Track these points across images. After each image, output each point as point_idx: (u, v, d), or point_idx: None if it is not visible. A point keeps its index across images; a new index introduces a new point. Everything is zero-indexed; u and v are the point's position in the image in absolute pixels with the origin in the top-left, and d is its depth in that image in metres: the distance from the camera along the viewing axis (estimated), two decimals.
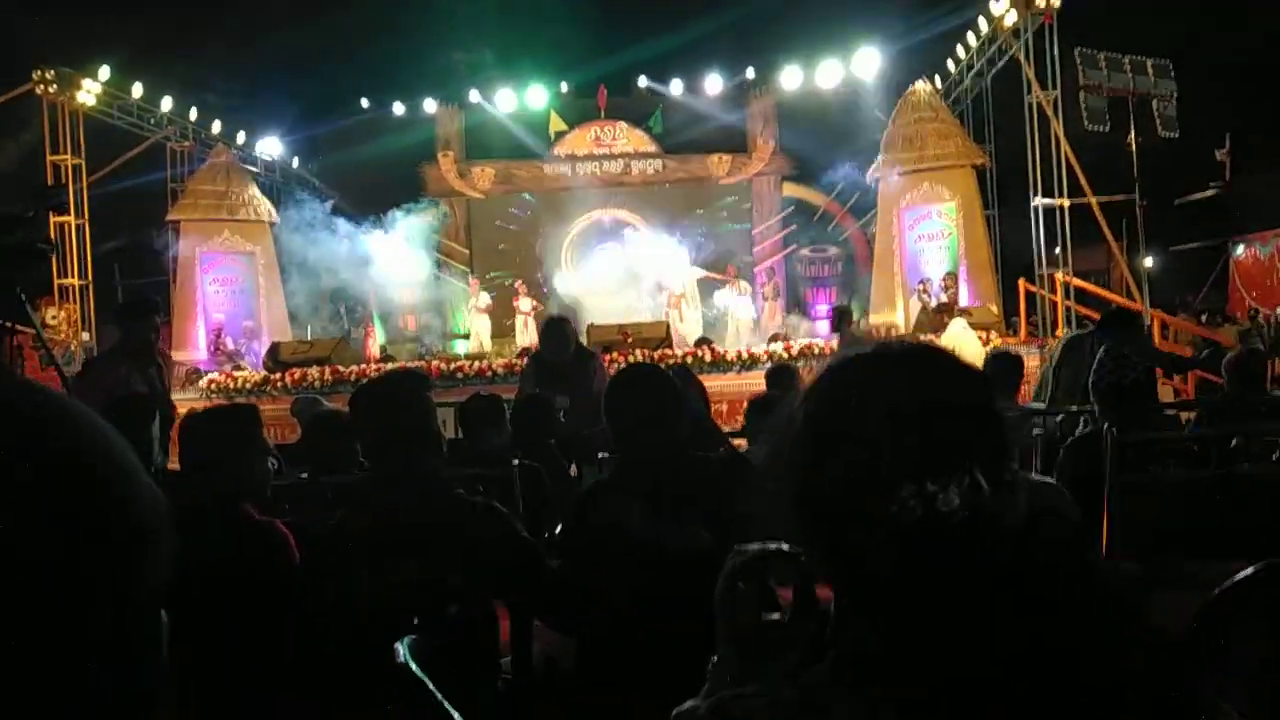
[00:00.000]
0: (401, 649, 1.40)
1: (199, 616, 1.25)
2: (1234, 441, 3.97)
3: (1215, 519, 3.22)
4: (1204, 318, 15.68)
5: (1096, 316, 8.59)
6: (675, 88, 18.03)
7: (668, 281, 15.88)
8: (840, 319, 9.53)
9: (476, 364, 12.64)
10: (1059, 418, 5.34)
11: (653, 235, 17.48)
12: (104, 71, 14.71)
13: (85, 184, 14.62)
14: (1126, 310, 8.86)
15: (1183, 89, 13.17)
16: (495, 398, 4.79)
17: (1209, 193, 17.78)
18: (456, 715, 1.45)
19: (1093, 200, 13.23)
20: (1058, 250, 13.65)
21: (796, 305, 17.40)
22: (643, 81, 17.98)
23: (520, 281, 16.58)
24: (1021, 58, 13.78)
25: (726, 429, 5.50)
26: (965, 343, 11.12)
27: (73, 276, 14.31)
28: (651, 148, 18.64)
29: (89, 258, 14.69)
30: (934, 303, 12.71)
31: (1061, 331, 12.39)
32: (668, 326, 13.66)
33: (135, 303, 5.42)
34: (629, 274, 16.38)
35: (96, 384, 4.97)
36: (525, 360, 11.73)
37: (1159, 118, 12.95)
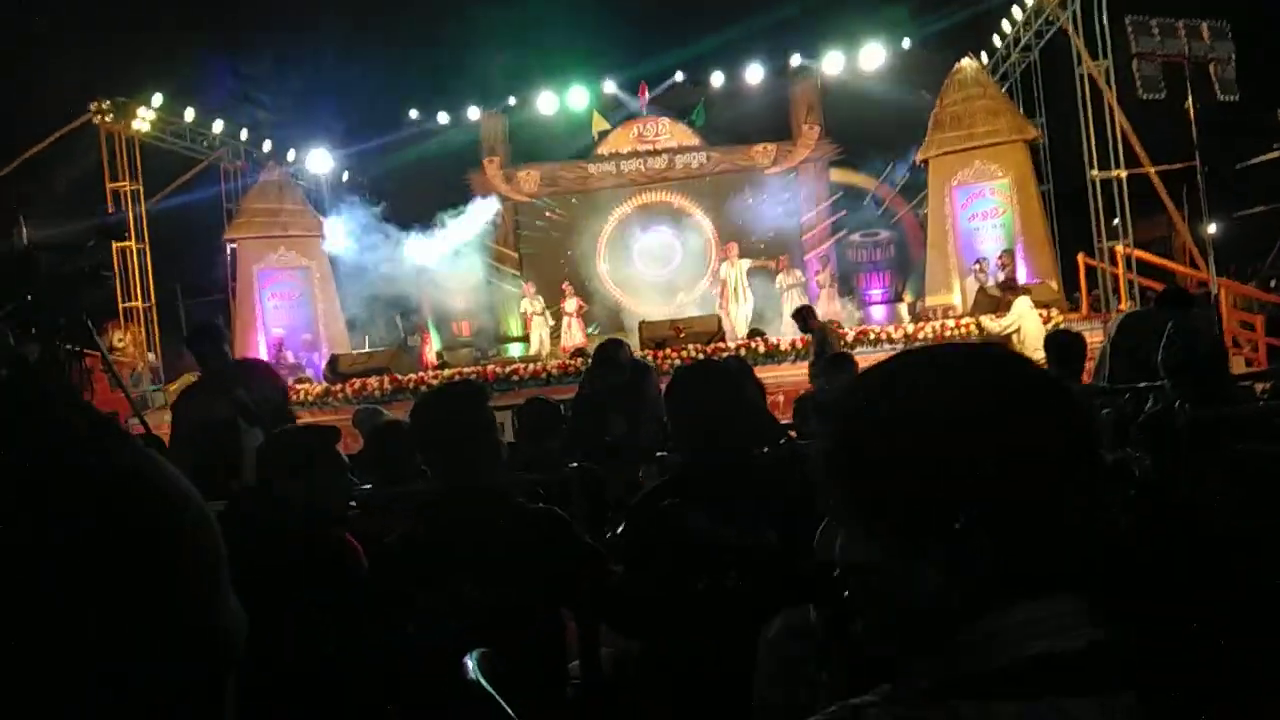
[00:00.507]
0: (470, 663, 1.40)
1: (270, 627, 1.27)
2: None
3: None
4: (1274, 283, 15.18)
5: (1160, 288, 8.37)
6: (716, 79, 17.93)
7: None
8: (805, 318, 9.72)
9: (531, 366, 12.73)
10: (1125, 396, 5.20)
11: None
12: (157, 98, 15.11)
13: (144, 209, 15.00)
14: (1185, 290, 8.61)
15: (1240, 50, 12.74)
16: (551, 402, 4.81)
17: (1272, 155, 17.20)
18: None
19: (1150, 170, 12.89)
20: (1116, 222, 13.33)
21: (849, 291, 17.22)
22: (679, 76, 17.92)
23: (566, 282, 16.66)
24: (1070, 28, 13.47)
25: (783, 422, 5.44)
26: (1029, 321, 11.01)
27: (136, 300, 14.69)
28: (695, 141, 18.58)
29: (151, 280, 15.07)
30: (991, 281, 12.50)
31: (1125, 305, 12.10)
32: (719, 320, 13.62)
33: (198, 332, 5.44)
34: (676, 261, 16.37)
35: (181, 419, 5.08)
36: (580, 361, 11.81)
37: (1217, 81, 12.55)
